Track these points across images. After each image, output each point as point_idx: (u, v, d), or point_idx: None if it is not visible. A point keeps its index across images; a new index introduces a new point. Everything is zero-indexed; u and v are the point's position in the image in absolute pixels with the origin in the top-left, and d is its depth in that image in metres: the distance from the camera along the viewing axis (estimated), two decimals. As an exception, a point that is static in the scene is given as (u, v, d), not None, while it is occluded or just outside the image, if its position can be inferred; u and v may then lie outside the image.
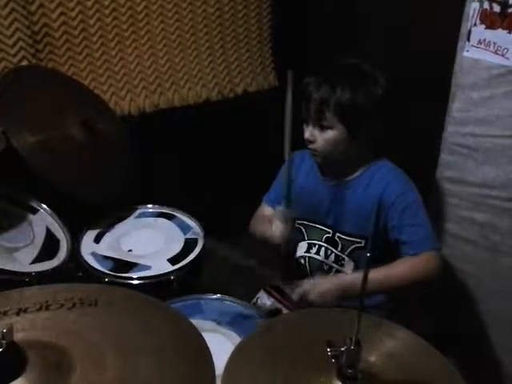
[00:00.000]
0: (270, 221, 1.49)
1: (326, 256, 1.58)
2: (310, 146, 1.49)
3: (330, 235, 1.57)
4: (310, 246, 1.62)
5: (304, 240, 1.63)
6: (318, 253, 1.59)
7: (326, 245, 1.58)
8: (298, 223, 1.62)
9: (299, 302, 1.46)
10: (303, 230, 1.63)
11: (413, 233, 1.43)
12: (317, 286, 1.42)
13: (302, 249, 1.64)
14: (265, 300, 1.58)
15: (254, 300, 1.59)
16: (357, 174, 1.52)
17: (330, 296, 1.39)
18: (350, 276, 1.48)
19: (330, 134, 1.44)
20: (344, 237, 1.54)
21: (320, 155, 1.51)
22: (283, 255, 1.51)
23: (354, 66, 1.47)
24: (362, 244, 1.51)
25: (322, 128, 1.44)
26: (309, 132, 1.47)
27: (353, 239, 1.52)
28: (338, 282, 1.42)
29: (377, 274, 1.35)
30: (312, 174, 1.60)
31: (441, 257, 1.43)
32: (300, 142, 1.65)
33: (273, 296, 1.60)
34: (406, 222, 1.43)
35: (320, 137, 1.45)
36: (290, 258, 1.62)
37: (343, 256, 1.54)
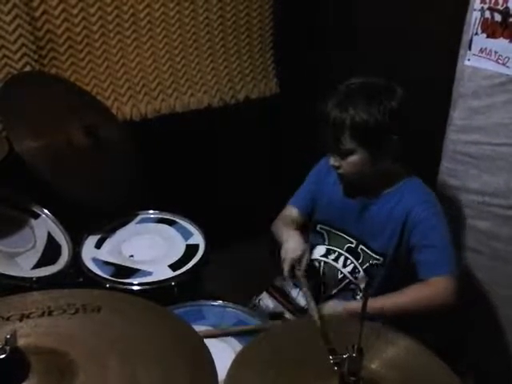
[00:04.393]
0: (288, 227, 1.51)
1: (345, 265, 1.56)
2: (338, 172, 1.47)
3: (353, 245, 1.54)
4: (328, 252, 1.60)
5: (323, 244, 1.61)
6: (336, 260, 1.57)
7: (346, 254, 1.55)
8: (321, 227, 1.61)
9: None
10: (325, 235, 1.61)
11: (432, 254, 1.40)
12: (333, 309, 1.43)
13: (319, 252, 1.61)
14: (267, 302, 1.58)
15: (256, 301, 1.58)
16: (389, 190, 1.49)
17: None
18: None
19: (352, 158, 1.40)
20: (367, 250, 1.51)
21: (349, 179, 1.49)
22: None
23: (366, 83, 1.42)
24: (380, 262, 1.49)
25: (343, 154, 1.41)
26: (332, 159, 1.44)
27: (374, 255, 1.50)
28: (351, 308, 1.41)
29: (390, 300, 1.37)
30: (340, 185, 1.57)
31: (457, 282, 1.37)
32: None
33: (275, 298, 1.60)
34: (426, 244, 1.41)
35: (344, 162, 1.42)
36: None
37: (360, 269, 1.53)
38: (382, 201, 1.49)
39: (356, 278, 1.54)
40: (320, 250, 1.62)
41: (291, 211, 1.66)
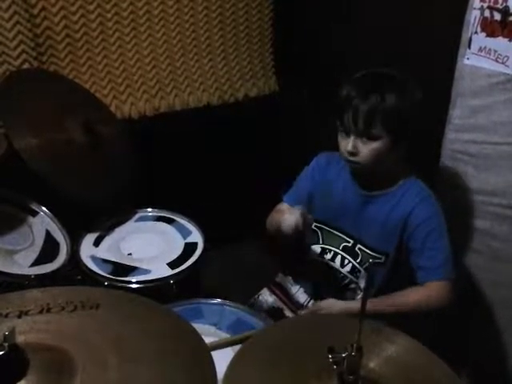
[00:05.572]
0: (286, 212, 1.46)
1: (342, 265, 1.55)
2: (352, 159, 1.42)
3: (349, 245, 1.54)
4: (323, 251, 1.59)
5: (318, 244, 1.60)
6: (333, 260, 1.56)
7: (343, 253, 1.55)
8: (316, 226, 1.59)
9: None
10: (319, 233, 1.60)
11: (430, 258, 1.42)
12: (330, 308, 1.45)
13: (315, 251, 1.61)
14: (267, 297, 1.58)
15: (256, 296, 1.58)
16: (390, 189, 1.49)
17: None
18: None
19: (375, 144, 1.38)
20: (365, 249, 1.51)
21: (362, 167, 1.44)
22: (294, 247, 1.48)
23: (392, 72, 1.43)
24: (382, 260, 1.49)
25: (369, 138, 1.38)
26: (351, 144, 1.39)
27: (374, 254, 1.50)
28: (351, 307, 1.44)
29: (389, 301, 1.40)
30: (341, 180, 1.55)
31: (452, 285, 1.41)
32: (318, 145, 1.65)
33: (275, 294, 1.60)
34: (426, 247, 1.42)
35: (364, 148, 1.39)
36: (300, 251, 1.60)
37: (360, 268, 1.52)
38: (381, 200, 1.49)
39: (357, 278, 1.54)
40: (315, 250, 1.61)
41: (284, 206, 1.63)
